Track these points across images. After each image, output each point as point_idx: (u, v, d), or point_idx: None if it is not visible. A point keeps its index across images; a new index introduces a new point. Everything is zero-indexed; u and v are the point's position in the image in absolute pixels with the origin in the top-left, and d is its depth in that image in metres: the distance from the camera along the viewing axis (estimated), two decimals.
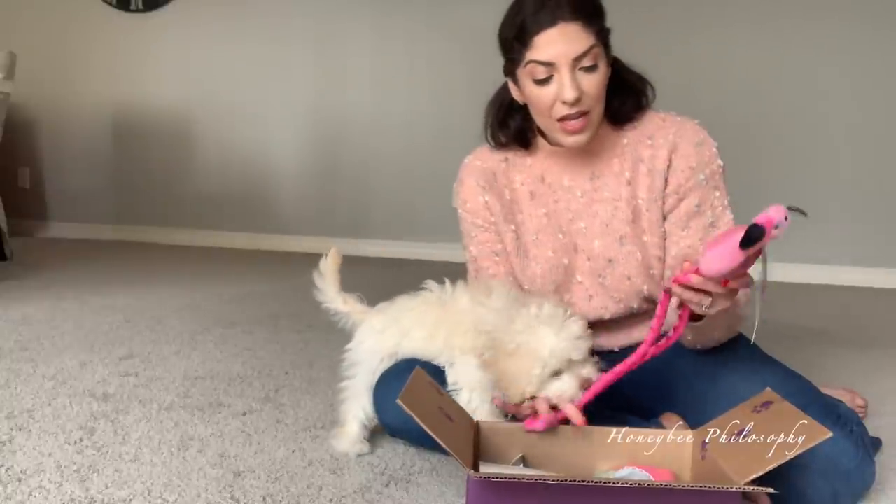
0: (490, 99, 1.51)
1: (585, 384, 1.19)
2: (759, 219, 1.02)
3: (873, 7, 3.69)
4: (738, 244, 1.03)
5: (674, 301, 1.17)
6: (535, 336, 1.19)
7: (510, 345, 1.20)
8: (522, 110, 1.44)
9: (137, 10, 4.37)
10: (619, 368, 1.19)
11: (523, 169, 1.50)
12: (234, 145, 4.38)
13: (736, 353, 1.37)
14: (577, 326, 1.20)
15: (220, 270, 3.55)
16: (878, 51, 3.71)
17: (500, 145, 1.51)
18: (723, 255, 1.06)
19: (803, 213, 1.05)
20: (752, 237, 1.02)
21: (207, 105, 4.38)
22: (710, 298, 1.12)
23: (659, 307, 1.17)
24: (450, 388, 1.28)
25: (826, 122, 3.78)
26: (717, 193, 1.40)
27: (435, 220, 4.06)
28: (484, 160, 1.51)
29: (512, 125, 1.47)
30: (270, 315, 2.59)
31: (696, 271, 1.10)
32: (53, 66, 4.46)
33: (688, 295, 1.12)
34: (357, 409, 1.43)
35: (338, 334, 2.38)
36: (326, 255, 1.46)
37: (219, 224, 4.42)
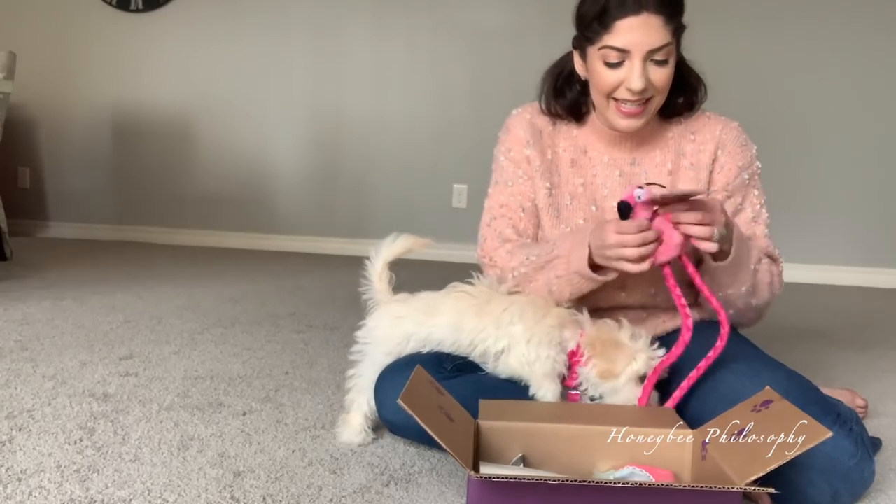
0: (549, 66, 1.53)
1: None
2: (625, 196, 1.26)
3: (875, 8, 3.69)
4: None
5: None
6: (638, 346, 1.32)
7: (617, 335, 1.32)
8: (580, 83, 1.45)
9: (137, 10, 4.36)
10: (703, 364, 1.29)
11: (568, 137, 1.52)
12: (233, 145, 4.38)
13: (736, 354, 1.37)
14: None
15: (220, 270, 3.55)
16: (879, 51, 3.71)
17: (552, 115, 1.52)
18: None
19: (661, 185, 1.29)
20: (622, 210, 1.25)
21: (207, 105, 4.38)
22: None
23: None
24: (511, 372, 1.35)
25: (826, 122, 3.78)
26: (756, 192, 1.47)
27: (435, 220, 4.06)
28: (533, 115, 1.54)
29: (568, 95, 1.50)
30: (270, 315, 2.59)
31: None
32: (53, 66, 4.46)
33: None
34: (362, 401, 1.44)
35: (338, 334, 2.38)
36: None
37: (219, 224, 4.42)
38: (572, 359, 1.34)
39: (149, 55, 4.39)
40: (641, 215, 1.24)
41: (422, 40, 4.14)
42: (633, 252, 1.23)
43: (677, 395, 1.30)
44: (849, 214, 3.76)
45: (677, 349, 1.28)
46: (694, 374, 1.28)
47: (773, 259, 1.45)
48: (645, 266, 1.24)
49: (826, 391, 1.36)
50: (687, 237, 1.23)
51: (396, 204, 4.21)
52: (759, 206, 1.47)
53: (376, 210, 4.25)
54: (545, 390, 1.33)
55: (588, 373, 1.33)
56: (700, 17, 3.71)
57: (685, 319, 1.27)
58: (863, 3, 3.70)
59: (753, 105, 3.71)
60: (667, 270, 1.28)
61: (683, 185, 1.45)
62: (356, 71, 4.22)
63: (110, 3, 4.37)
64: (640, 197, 1.23)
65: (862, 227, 3.77)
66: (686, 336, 1.27)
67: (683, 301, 1.28)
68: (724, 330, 1.26)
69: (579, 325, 1.36)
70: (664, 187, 1.29)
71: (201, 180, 4.43)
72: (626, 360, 1.30)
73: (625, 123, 1.40)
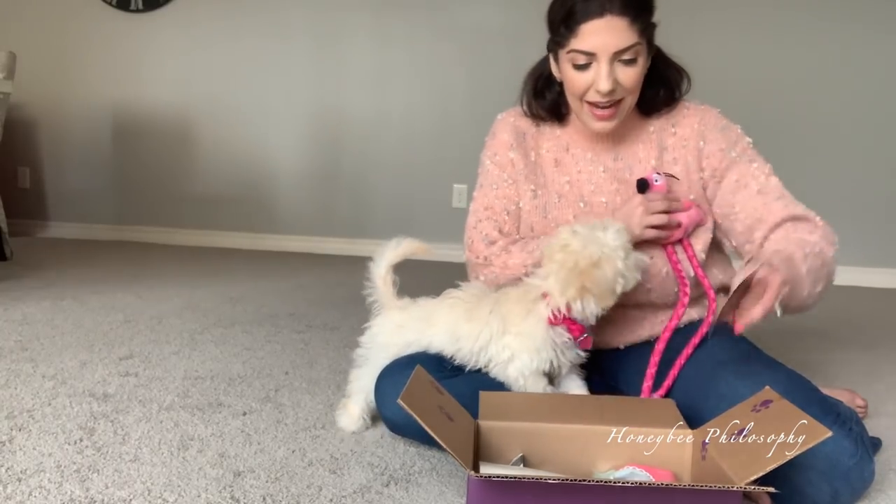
0: (530, 69, 1.56)
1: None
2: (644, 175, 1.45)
3: (875, 8, 3.69)
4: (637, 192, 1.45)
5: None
6: (600, 241, 1.29)
7: (592, 257, 1.28)
8: (559, 84, 1.48)
9: (137, 10, 4.36)
10: (694, 340, 1.42)
11: (551, 138, 1.55)
12: (233, 145, 4.38)
13: (736, 354, 1.38)
14: (613, 225, 1.32)
15: (220, 270, 3.55)
16: (879, 50, 3.71)
17: (534, 117, 1.55)
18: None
19: (675, 177, 1.45)
20: (640, 186, 1.43)
21: (207, 105, 4.38)
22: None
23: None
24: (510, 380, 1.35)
25: (826, 122, 3.78)
26: (756, 165, 1.47)
27: (434, 221, 4.06)
28: (517, 118, 1.56)
29: (548, 97, 1.52)
30: (270, 315, 2.59)
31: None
32: (53, 66, 4.46)
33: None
34: (360, 398, 1.48)
35: (338, 334, 2.38)
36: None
37: (219, 224, 4.42)
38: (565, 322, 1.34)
39: (149, 55, 4.39)
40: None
41: (422, 41, 4.14)
42: (659, 219, 1.39)
43: (680, 360, 1.39)
44: (849, 214, 3.75)
45: (711, 305, 1.43)
46: (689, 348, 1.40)
47: (801, 220, 1.43)
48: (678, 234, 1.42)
49: (826, 391, 1.36)
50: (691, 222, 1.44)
51: (396, 204, 4.21)
52: (763, 178, 1.45)
53: (376, 210, 4.25)
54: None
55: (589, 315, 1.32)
56: (697, 16, 3.73)
57: (707, 290, 1.45)
58: (862, 3, 3.70)
59: (753, 105, 3.70)
60: (670, 251, 1.44)
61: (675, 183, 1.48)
62: (356, 71, 4.22)
63: (110, 3, 4.37)
64: (657, 180, 1.42)
65: (862, 227, 3.77)
66: (712, 293, 1.45)
67: (702, 272, 1.44)
68: (712, 307, 1.43)
69: (540, 293, 1.34)
70: (677, 178, 1.45)
71: (201, 180, 4.43)
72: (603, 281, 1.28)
73: (598, 126, 1.43)
